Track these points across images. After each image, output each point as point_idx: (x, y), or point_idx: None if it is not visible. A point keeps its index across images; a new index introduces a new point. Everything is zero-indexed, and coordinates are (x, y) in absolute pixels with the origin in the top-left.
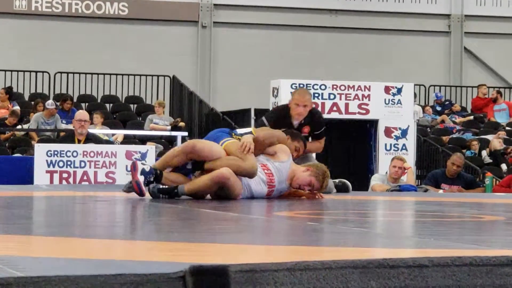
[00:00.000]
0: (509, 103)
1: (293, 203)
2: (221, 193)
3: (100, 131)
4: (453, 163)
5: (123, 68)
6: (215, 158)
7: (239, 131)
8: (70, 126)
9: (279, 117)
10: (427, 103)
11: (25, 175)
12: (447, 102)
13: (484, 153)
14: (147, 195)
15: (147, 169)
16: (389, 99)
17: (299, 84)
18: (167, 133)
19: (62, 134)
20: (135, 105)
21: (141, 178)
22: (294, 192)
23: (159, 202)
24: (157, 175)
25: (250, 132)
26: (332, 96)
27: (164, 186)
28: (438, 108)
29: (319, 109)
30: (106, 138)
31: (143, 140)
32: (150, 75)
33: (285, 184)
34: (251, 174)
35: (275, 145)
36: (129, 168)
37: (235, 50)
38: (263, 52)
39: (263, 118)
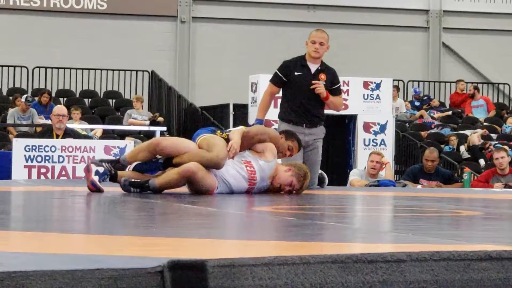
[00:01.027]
0: (486, 98)
1: (272, 198)
2: (194, 188)
3: (78, 126)
4: (427, 159)
5: (101, 63)
6: (181, 153)
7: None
8: (48, 121)
9: (290, 64)
10: (405, 98)
11: (3, 170)
12: (425, 97)
13: (463, 148)
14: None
15: (101, 170)
16: (367, 94)
17: None
18: (146, 128)
19: (38, 129)
20: (114, 100)
21: (95, 178)
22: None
23: (138, 197)
24: (112, 174)
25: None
26: None
27: (136, 180)
28: (417, 103)
29: None
30: (84, 133)
31: (121, 135)
32: (128, 70)
33: (266, 183)
34: (215, 165)
35: (265, 143)
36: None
37: (214, 45)
38: (242, 47)
39: (276, 70)
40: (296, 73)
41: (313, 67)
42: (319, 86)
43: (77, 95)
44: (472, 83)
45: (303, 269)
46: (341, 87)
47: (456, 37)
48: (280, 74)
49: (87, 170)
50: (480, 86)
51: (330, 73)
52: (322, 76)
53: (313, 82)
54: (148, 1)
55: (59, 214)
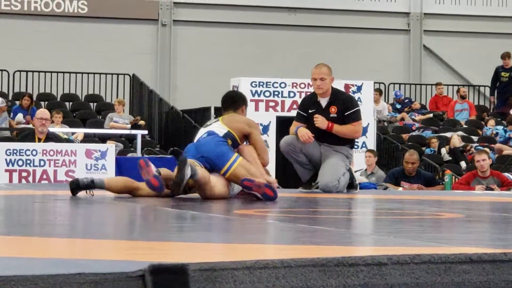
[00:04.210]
0: (471, 103)
1: (252, 202)
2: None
3: (60, 129)
4: (407, 162)
5: (82, 67)
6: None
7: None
8: (29, 125)
9: (306, 102)
10: (386, 101)
11: None
12: (406, 100)
13: (444, 150)
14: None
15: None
16: None
17: (259, 82)
18: (127, 132)
19: (15, 132)
20: (95, 104)
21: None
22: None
23: (120, 201)
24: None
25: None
26: (292, 94)
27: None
28: (398, 106)
29: (279, 107)
30: (66, 136)
31: (103, 139)
32: (110, 74)
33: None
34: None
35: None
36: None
37: (195, 48)
38: (223, 50)
39: (298, 110)
40: (310, 111)
41: (324, 101)
42: (318, 121)
43: (58, 99)
44: (452, 85)
45: (284, 273)
46: (356, 114)
47: (437, 39)
48: (301, 112)
49: (146, 164)
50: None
51: (341, 103)
52: (333, 109)
53: (314, 117)
54: (129, 4)
55: (40, 218)
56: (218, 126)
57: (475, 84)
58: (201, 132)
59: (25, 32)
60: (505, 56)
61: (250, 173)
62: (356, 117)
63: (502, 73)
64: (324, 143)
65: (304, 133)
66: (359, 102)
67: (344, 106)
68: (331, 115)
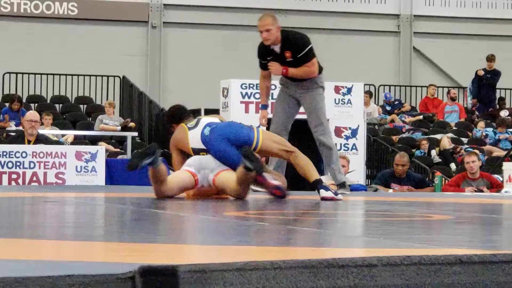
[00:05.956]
0: (460, 105)
1: (243, 203)
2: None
3: (49, 131)
4: (397, 164)
5: (72, 69)
6: None
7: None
8: (19, 127)
9: (261, 49)
10: (377, 103)
11: None
12: (396, 102)
13: (434, 152)
14: None
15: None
16: (339, 99)
17: (249, 84)
18: (117, 134)
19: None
20: (85, 106)
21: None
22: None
23: (109, 203)
24: None
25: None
26: None
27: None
28: (388, 108)
29: (269, 109)
30: (56, 139)
31: (93, 141)
32: (99, 76)
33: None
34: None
35: None
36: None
37: (185, 50)
38: (213, 52)
39: (258, 57)
40: (268, 58)
41: (277, 48)
42: (272, 69)
43: (48, 101)
44: (442, 87)
45: (274, 274)
46: (307, 54)
47: (426, 41)
48: (260, 60)
49: (263, 179)
50: (450, 90)
51: (293, 46)
52: (287, 54)
53: (268, 65)
54: (119, 6)
55: (30, 220)
56: (211, 119)
57: (465, 86)
58: (196, 130)
59: (15, 34)
60: (491, 58)
61: (275, 141)
62: (308, 58)
63: (486, 75)
64: (295, 81)
65: (260, 118)
66: (349, 104)
67: (295, 49)
68: (288, 60)
